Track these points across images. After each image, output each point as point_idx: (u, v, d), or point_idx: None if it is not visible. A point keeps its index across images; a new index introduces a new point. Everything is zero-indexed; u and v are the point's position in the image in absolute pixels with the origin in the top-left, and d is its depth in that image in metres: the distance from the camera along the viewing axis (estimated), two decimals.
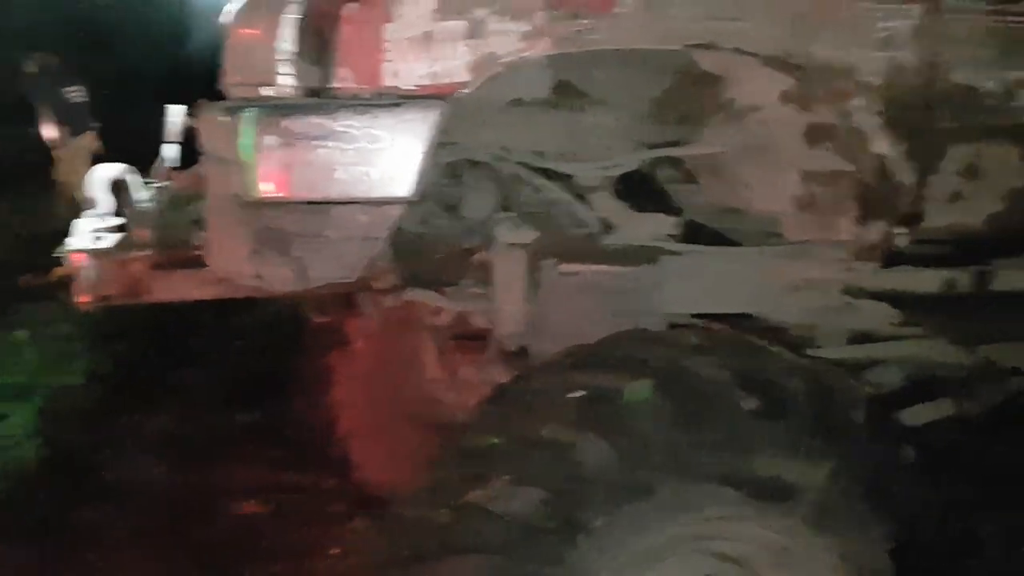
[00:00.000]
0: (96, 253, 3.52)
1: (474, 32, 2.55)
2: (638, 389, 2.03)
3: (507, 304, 2.75)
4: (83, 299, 3.57)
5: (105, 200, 3.99)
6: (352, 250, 2.89)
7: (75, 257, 3.56)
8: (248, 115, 2.86)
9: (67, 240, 3.91)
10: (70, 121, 7.90)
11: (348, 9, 2.68)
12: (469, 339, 3.15)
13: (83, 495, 3.98)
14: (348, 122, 2.80)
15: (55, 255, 3.85)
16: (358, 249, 2.89)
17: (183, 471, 4.16)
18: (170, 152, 4.14)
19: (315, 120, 2.81)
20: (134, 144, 4.25)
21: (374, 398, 3.68)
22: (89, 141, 7.91)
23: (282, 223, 2.92)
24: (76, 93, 7.90)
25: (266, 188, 2.87)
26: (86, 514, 3.84)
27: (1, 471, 4.24)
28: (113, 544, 3.64)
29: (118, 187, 4.03)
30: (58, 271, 4.76)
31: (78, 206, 5.60)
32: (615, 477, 1.94)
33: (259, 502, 3.92)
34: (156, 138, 4.16)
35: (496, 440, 2.10)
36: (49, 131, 7.86)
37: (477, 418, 2.35)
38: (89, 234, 3.85)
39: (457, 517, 2.00)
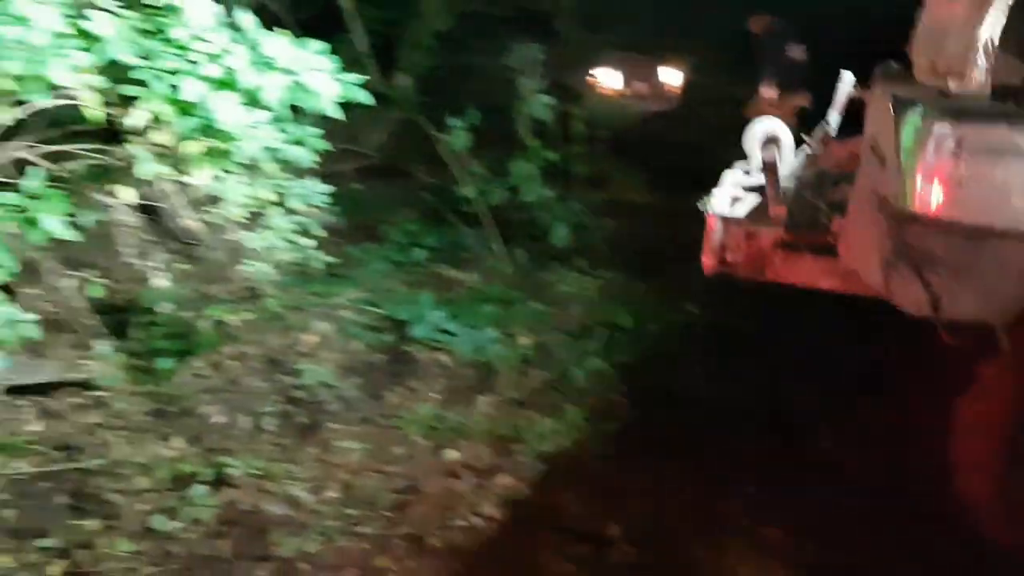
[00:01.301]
0: (728, 220, 3.46)
1: None
2: None
3: None
4: (706, 262, 3.56)
5: (757, 156, 3.98)
6: (1008, 290, 2.40)
7: (709, 219, 3.55)
8: (914, 116, 2.45)
9: (713, 191, 3.90)
10: (786, 79, 8.06)
11: None
12: None
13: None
14: None
15: (698, 206, 3.85)
16: (1016, 290, 2.38)
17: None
18: (833, 119, 3.94)
19: (998, 131, 2.35)
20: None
21: (995, 446, 3.06)
22: (797, 100, 7.98)
23: (928, 242, 2.48)
24: (798, 52, 8.04)
25: (921, 202, 2.46)
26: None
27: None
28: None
29: (772, 144, 3.92)
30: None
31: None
32: None
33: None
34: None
35: None
36: (767, 90, 8.08)
37: None
38: (730, 189, 3.82)
39: None
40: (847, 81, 3.70)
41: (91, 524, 3.52)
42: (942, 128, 2.38)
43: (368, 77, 4.15)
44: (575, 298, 5.75)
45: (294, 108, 3.96)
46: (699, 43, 9.52)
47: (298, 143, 4.10)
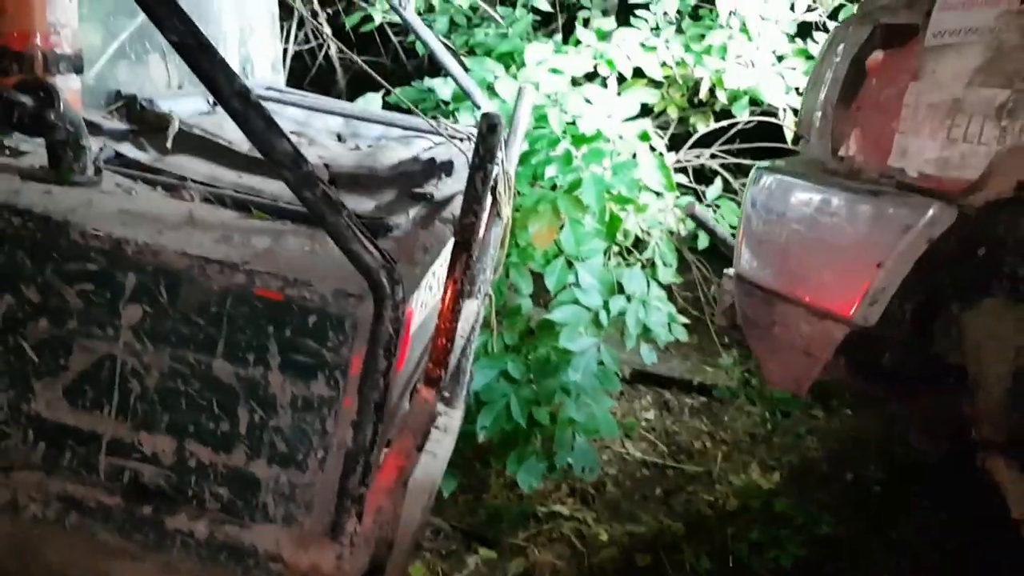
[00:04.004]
0: (741, 279, 3.01)
1: (1016, 110, 1.70)
2: None
3: None
4: (719, 320, 3.27)
5: None
6: (794, 361, 2.25)
7: (724, 280, 3.05)
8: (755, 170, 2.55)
9: None
10: None
11: (874, 58, 2.18)
12: None
13: None
14: (822, 201, 2.16)
15: None
16: (799, 362, 2.22)
17: None
18: None
19: (790, 192, 2.28)
20: None
21: None
22: None
23: (743, 303, 2.50)
24: None
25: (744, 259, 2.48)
26: None
27: None
28: None
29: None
30: None
31: None
32: None
33: None
34: None
35: None
36: None
37: None
38: None
39: None
40: None
41: (677, 527, 3.58)
42: (759, 183, 2.50)
43: None
44: None
45: None
46: None
47: None
